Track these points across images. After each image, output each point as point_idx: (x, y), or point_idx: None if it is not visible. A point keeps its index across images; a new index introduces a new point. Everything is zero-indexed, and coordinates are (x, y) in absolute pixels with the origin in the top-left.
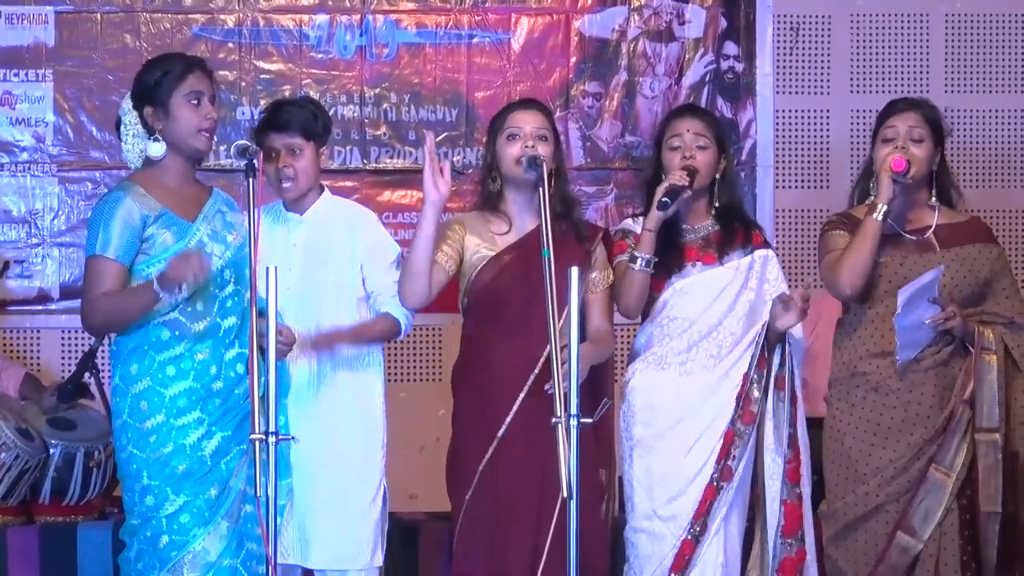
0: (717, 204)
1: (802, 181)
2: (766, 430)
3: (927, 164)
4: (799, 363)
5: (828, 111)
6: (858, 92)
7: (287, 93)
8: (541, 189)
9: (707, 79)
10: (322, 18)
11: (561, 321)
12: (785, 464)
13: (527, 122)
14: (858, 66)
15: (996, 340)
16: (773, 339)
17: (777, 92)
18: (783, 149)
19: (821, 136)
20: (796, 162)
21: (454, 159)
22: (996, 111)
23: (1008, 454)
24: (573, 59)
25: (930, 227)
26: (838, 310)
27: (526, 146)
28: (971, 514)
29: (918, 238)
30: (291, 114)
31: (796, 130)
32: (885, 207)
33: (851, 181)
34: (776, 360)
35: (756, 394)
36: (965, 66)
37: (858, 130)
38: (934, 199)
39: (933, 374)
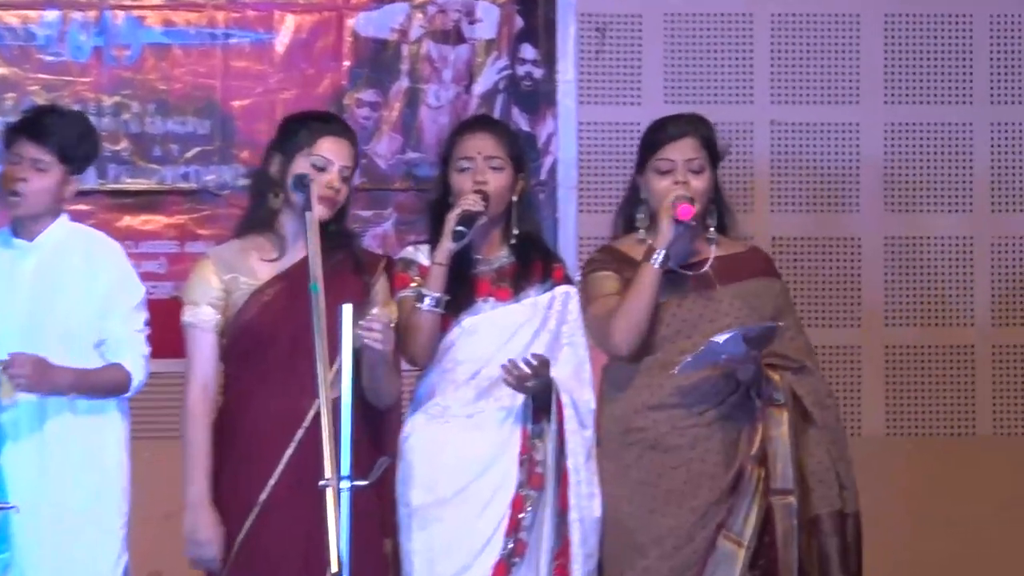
0: (516, 232)
1: (610, 205)
2: (548, 507)
3: (708, 195)
4: (582, 434)
5: (639, 124)
6: (674, 102)
7: (10, 102)
8: (308, 213)
9: (501, 86)
10: (52, 15)
11: (334, 369)
12: (553, 559)
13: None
14: (674, 73)
15: (784, 388)
16: (542, 399)
17: (581, 102)
18: (588, 168)
19: (632, 153)
20: (604, 183)
21: (207, 179)
22: (829, 125)
23: (806, 521)
24: (346, 63)
25: (707, 260)
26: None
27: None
28: None
29: (695, 273)
30: (53, 127)
31: (603, 146)
32: (664, 252)
33: None
34: (552, 425)
35: (539, 454)
36: (795, 73)
37: None
38: (712, 230)
39: (718, 428)
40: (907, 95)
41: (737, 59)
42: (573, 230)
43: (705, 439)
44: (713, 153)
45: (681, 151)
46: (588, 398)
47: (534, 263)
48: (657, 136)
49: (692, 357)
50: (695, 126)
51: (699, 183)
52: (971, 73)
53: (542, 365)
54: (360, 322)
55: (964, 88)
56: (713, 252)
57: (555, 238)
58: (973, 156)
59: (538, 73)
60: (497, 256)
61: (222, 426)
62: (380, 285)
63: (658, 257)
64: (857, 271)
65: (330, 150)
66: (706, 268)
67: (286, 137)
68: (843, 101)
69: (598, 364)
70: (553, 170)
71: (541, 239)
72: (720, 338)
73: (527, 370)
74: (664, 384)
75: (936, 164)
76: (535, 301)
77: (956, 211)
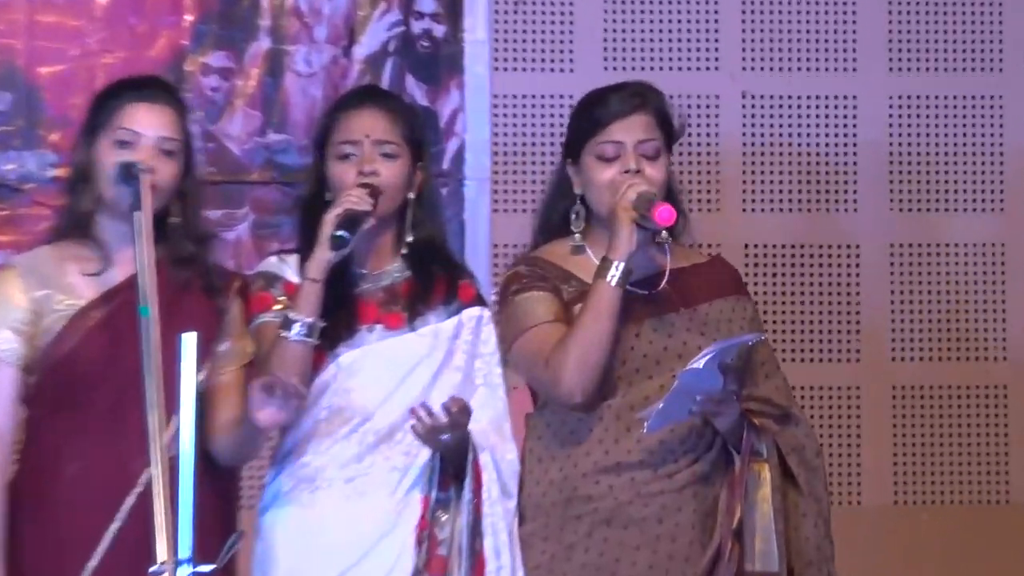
0: (411, 239)
1: (534, 201)
2: None
3: (665, 188)
4: (505, 505)
5: (571, 97)
6: (616, 69)
7: None
8: (137, 214)
9: (391, 48)
10: None
11: (170, 430)
12: None
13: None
14: (616, 31)
15: (768, 440)
16: (452, 457)
17: (496, 68)
18: (506, 154)
19: (561, 133)
20: (525, 173)
21: (6, 169)
22: (818, 99)
23: None
24: (188, 18)
25: (662, 275)
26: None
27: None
28: None
29: (649, 292)
30: None
31: (525, 125)
32: (624, 265)
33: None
34: (466, 494)
35: (443, 531)
36: (773, 33)
37: None
38: (664, 234)
39: (691, 494)
40: (918, 60)
41: (698, 13)
42: (485, 235)
43: (676, 510)
44: (668, 133)
45: (631, 131)
46: (512, 457)
47: (435, 279)
48: (599, 112)
49: (663, 403)
50: (646, 98)
51: (656, 172)
52: (1000, 32)
53: (462, 413)
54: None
55: (991, 52)
56: (668, 264)
57: (461, 246)
58: (1004, 139)
59: (439, 31)
60: (387, 270)
61: (24, 491)
62: (235, 311)
63: (616, 273)
64: (855, 289)
65: (140, 120)
66: (663, 285)
67: (91, 113)
68: (836, 68)
69: (519, 411)
70: (459, 157)
71: (445, 247)
72: (700, 362)
73: (444, 419)
74: (621, 439)
75: (956, 150)
76: (436, 329)
77: (982, 210)
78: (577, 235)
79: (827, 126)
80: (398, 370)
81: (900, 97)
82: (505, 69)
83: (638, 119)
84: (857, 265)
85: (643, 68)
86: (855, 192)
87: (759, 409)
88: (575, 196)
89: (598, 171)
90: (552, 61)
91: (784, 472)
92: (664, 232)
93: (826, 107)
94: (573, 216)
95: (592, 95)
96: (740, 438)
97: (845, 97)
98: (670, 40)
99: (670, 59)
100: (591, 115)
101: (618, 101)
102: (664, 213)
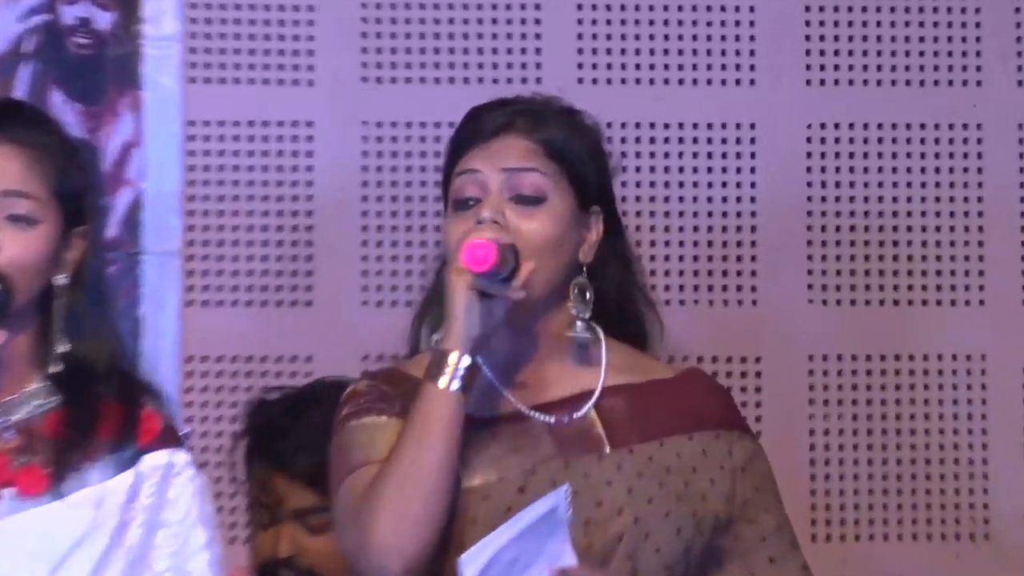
0: (63, 348)
1: (250, 288)
2: None
3: (563, 251)
4: None
5: (311, 125)
6: (381, 80)
7: None
8: None
9: (29, 48)
10: None
11: None
12: None
13: None
14: (378, 24)
15: None
16: None
17: (193, 80)
18: (206, 213)
19: (294, 183)
20: (231, 242)
21: None
22: (697, 128)
23: None
24: None
25: (591, 393)
26: None
27: None
28: None
29: (565, 420)
30: None
31: (232, 167)
32: (463, 357)
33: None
34: None
35: None
36: (623, 29)
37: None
38: (579, 324)
39: None
40: (851, 71)
41: (519, 10)
42: (174, 338)
43: None
44: (579, 173)
45: (494, 158)
46: None
47: (100, 409)
48: (457, 136)
49: None
50: (527, 114)
51: (533, 224)
52: (978, 36)
53: None
54: None
55: (965, 60)
56: (602, 374)
57: (136, 354)
58: (984, 190)
59: (105, 21)
60: (22, 396)
61: None
62: None
63: (451, 367)
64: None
65: None
66: (586, 410)
67: None
68: (723, 80)
69: None
70: (133, 218)
71: (115, 358)
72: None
73: None
74: None
75: (912, 204)
76: (100, 492)
77: (953, 302)
78: (438, 333)
79: (713, 168)
80: (41, 560)
81: (823, 125)
82: (207, 80)
83: (507, 142)
84: (757, 389)
85: (427, 79)
86: (753, 266)
87: None
88: None
89: (450, 226)
90: (281, 68)
91: None
92: (579, 323)
93: (710, 138)
94: (435, 309)
95: (468, 113)
96: None
97: (736, 126)
98: (477, 45)
99: (478, 66)
100: (454, 142)
101: (490, 117)
102: (473, 250)
